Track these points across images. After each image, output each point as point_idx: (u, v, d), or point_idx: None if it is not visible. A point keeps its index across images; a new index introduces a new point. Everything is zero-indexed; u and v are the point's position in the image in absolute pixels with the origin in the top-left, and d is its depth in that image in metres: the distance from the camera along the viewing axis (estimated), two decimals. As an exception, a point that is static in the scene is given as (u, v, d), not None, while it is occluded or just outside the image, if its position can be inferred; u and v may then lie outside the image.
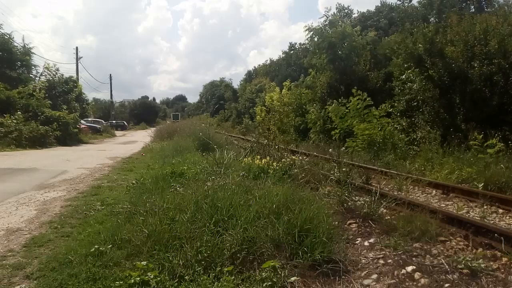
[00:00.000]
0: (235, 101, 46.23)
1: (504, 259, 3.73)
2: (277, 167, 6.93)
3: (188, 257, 3.51)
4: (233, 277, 3.26)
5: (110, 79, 56.83)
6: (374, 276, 3.48)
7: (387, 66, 16.41)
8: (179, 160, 9.64)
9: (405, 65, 13.92)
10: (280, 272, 3.30)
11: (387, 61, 16.87)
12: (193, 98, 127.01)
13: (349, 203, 5.29)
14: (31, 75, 28.18)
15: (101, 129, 36.26)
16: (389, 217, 5.03)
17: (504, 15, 12.18)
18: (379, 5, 40.68)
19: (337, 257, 3.64)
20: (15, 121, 18.90)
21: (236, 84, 57.63)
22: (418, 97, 13.11)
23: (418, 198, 7.02)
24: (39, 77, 28.22)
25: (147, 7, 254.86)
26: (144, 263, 3.40)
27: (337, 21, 19.94)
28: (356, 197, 5.47)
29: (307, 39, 19.57)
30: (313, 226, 3.88)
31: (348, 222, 4.91)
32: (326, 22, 19.19)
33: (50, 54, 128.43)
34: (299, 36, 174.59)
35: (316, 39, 18.95)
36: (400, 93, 14.33)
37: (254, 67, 63.57)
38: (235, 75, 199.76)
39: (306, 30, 18.89)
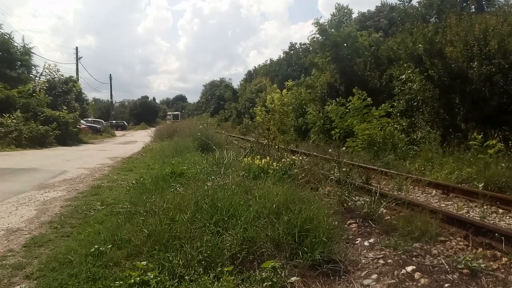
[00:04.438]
0: (235, 101, 46.21)
1: (504, 259, 3.72)
2: (277, 167, 6.92)
3: (188, 257, 3.51)
4: (233, 277, 3.26)
5: (110, 79, 56.92)
6: (374, 276, 3.48)
7: (390, 67, 16.35)
8: (179, 160, 9.63)
9: (405, 65, 13.94)
10: (280, 272, 3.30)
11: (389, 62, 16.84)
12: (193, 98, 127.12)
13: (349, 203, 5.29)
14: (31, 75, 28.20)
15: (101, 129, 36.26)
16: (389, 217, 5.04)
17: (504, 15, 12.17)
18: (379, 5, 40.68)
19: (337, 257, 3.64)
20: (15, 121, 18.90)
21: (236, 84, 57.65)
22: (418, 97, 13.12)
23: (418, 198, 7.02)
24: (39, 77, 28.25)
25: (147, 7, 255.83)
26: (144, 263, 3.40)
27: (344, 21, 19.92)
28: (356, 197, 5.46)
29: (313, 34, 19.53)
30: (313, 226, 3.88)
31: (348, 222, 4.91)
32: (333, 21, 19.14)
33: (49, 54, 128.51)
34: (299, 36, 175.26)
35: (320, 38, 18.95)
36: (400, 93, 14.34)
37: (254, 67, 63.52)
38: (235, 75, 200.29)
39: (314, 23, 18.88)
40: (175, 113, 70.34)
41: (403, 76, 14.18)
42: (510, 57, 10.71)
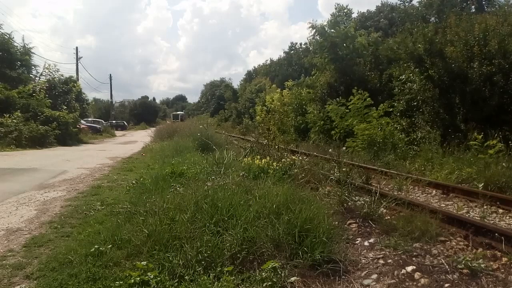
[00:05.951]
0: (235, 101, 46.24)
1: (504, 259, 3.72)
2: (277, 167, 6.92)
3: (188, 257, 3.51)
4: (233, 277, 3.26)
5: (110, 79, 56.92)
6: (374, 276, 3.48)
7: (390, 67, 16.35)
8: (179, 160, 9.63)
9: (405, 65, 13.93)
10: (280, 272, 3.30)
11: (388, 62, 16.85)
12: (193, 98, 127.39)
13: (349, 203, 5.29)
14: (31, 75, 28.19)
15: (101, 129, 36.26)
16: (389, 217, 5.04)
17: (504, 15, 12.17)
18: (380, 5, 40.65)
19: (337, 257, 3.64)
20: (15, 121, 18.89)
21: (236, 84, 57.68)
22: (418, 97, 13.11)
23: (418, 198, 7.01)
24: (39, 77, 28.24)
25: (147, 7, 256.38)
26: (144, 263, 3.40)
27: (342, 21, 19.93)
28: (356, 197, 5.46)
29: (309, 36, 19.62)
30: (313, 226, 3.88)
31: (348, 222, 4.91)
32: (330, 21, 19.16)
33: (49, 54, 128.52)
34: (299, 36, 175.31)
35: (318, 38, 18.97)
36: (400, 93, 14.34)
37: (254, 67, 63.60)
38: (235, 75, 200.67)
39: (309, 27, 18.93)
40: (177, 113, 70.10)
41: (403, 76, 14.17)
42: (510, 57, 10.70)
